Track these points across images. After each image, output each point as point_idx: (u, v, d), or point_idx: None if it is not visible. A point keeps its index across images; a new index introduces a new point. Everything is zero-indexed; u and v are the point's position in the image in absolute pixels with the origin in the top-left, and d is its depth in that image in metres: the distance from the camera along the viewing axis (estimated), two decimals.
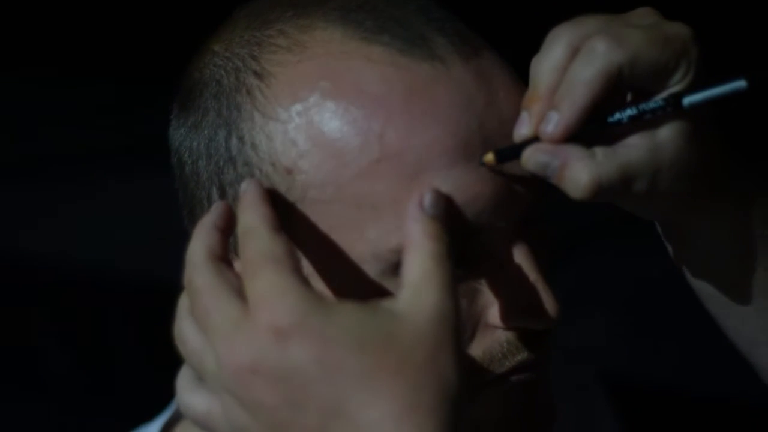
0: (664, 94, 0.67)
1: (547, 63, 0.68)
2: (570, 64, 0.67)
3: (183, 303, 0.66)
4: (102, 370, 2.28)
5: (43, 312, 2.46)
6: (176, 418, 0.88)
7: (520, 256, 0.71)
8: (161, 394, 0.88)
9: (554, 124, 0.67)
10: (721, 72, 0.69)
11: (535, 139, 0.68)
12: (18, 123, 3.41)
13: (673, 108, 0.67)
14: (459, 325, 0.63)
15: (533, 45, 0.71)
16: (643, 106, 0.67)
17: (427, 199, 0.66)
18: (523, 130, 0.68)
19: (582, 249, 2.77)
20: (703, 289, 0.80)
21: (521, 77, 0.71)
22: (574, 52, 0.67)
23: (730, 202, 0.74)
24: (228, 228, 0.67)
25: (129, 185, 2.50)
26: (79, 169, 3.18)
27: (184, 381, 0.68)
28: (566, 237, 2.83)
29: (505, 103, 0.70)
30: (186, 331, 0.65)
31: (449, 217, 0.67)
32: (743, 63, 0.77)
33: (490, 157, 0.68)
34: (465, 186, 0.68)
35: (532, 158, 0.67)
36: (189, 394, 0.67)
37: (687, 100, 0.67)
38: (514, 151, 0.68)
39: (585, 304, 2.58)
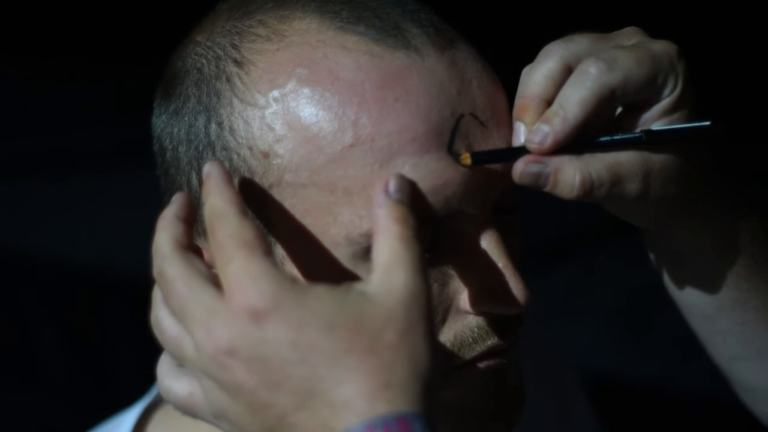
0: (642, 127, 0.70)
1: (539, 73, 0.70)
2: (564, 84, 0.69)
3: (157, 294, 0.67)
4: (98, 365, 2.30)
5: (42, 310, 2.48)
6: (155, 404, 0.89)
7: (490, 243, 0.72)
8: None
9: (543, 135, 0.69)
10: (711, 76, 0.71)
11: (509, 150, 0.70)
12: (18, 122, 3.42)
13: (647, 141, 0.70)
14: (429, 304, 0.64)
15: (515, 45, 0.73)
16: (620, 136, 0.70)
17: (392, 184, 0.67)
18: (519, 141, 0.70)
19: (574, 255, 2.79)
20: (686, 301, 0.82)
21: (500, 75, 0.73)
22: (566, 68, 0.70)
23: (719, 210, 0.76)
24: (190, 217, 0.68)
25: (128, 185, 2.51)
26: (79, 169, 3.20)
27: (164, 368, 0.69)
28: (557, 243, 2.84)
29: (479, 92, 0.71)
30: (163, 321, 0.66)
31: (417, 201, 0.68)
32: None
33: (467, 158, 0.69)
34: (436, 172, 0.69)
35: (525, 171, 0.69)
36: (169, 379, 0.68)
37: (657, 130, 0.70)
38: (492, 156, 0.70)
39: (575, 308, 2.59)
